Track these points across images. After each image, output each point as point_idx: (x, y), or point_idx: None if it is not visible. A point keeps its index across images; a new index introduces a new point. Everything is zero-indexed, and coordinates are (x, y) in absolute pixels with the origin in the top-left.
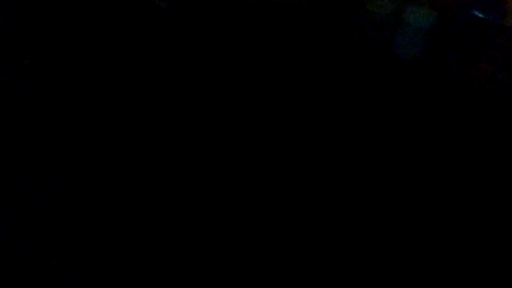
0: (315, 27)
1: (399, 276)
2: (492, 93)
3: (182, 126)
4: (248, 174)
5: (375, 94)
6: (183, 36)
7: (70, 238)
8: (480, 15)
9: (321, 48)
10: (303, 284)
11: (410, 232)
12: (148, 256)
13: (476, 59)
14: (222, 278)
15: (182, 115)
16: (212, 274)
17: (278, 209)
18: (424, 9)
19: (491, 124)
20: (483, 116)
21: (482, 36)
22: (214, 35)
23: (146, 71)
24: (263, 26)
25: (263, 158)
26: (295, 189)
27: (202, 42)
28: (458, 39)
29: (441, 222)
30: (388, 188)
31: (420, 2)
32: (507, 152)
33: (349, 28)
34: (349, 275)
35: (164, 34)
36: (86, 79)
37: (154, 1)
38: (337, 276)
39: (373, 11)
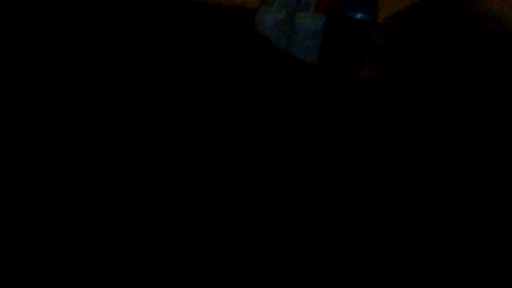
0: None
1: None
2: (372, 88)
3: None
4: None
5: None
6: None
7: (69, 238)
8: (358, 16)
9: (222, 56)
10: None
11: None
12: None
13: (360, 57)
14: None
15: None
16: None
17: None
18: (312, 13)
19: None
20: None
21: (362, 35)
22: None
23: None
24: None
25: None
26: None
27: None
28: (344, 39)
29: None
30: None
31: (309, 7)
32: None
33: (248, 35)
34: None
35: None
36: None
37: None
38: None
39: (266, 18)
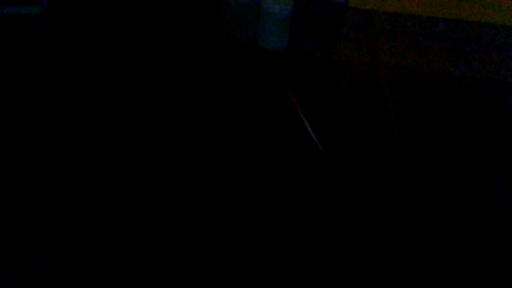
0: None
1: None
2: (348, 70)
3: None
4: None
5: (244, 92)
6: None
7: (69, 239)
8: None
9: (188, 50)
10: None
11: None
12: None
13: (331, 38)
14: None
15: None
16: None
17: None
18: None
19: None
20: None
21: (334, 17)
22: None
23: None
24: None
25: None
26: None
27: None
28: (314, 21)
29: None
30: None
31: None
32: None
33: (212, 28)
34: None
35: None
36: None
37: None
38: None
39: (233, 7)
